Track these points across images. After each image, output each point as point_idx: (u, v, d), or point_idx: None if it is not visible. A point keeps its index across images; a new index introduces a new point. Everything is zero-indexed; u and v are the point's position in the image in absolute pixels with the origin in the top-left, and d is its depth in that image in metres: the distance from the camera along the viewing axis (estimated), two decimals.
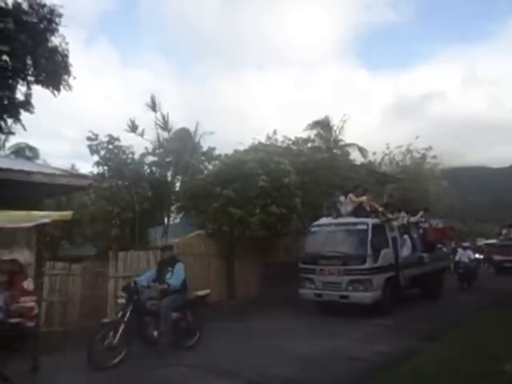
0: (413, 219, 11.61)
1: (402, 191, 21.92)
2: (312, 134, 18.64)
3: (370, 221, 9.14)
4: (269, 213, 10.55)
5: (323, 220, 10.22)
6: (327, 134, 18.90)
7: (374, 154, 24.41)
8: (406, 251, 10.10)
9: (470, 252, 14.61)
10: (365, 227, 8.95)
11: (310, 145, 16.09)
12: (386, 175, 21.56)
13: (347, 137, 19.96)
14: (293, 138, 15.44)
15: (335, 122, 19.74)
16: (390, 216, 10.02)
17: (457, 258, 14.41)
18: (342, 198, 10.39)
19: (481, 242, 28.58)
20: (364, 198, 9.90)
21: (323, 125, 18.89)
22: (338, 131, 19.31)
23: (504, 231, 22.59)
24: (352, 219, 9.47)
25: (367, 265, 8.52)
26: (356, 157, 19.96)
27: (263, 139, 14.64)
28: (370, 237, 8.77)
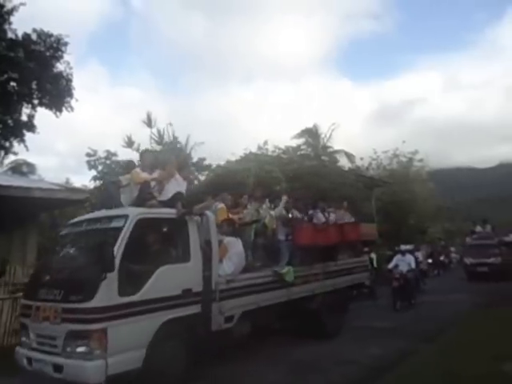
0: (275, 212, 7.22)
1: (390, 194, 22.64)
2: (300, 142, 19.39)
3: (136, 212, 4.87)
4: None
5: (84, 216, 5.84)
6: (315, 141, 19.62)
7: (362, 159, 25.12)
8: (231, 265, 5.55)
9: (410, 258, 11.19)
10: (120, 224, 4.66)
11: (299, 153, 16.79)
12: (373, 179, 22.28)
13: (335, 144, 20.72)
14: (283, 147, 16.14)
15: (323, 130, 20.51)
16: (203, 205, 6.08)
17: (390, 266, 11.03)
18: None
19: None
20: (156, 174, 5.73)
21: (311, 133, 19.62)
22: (325, 139, 20.05)
23: (478, 228, 19.05)
24: (111, 212, 5.24)
25: (96, 300, 4.16)
26: (344, 163, 20.69)
27: (254, 149, 15.34)
28: (123, 242, 4.46)
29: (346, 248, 8.44)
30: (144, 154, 6.37)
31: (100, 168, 10.17)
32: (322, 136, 20.03)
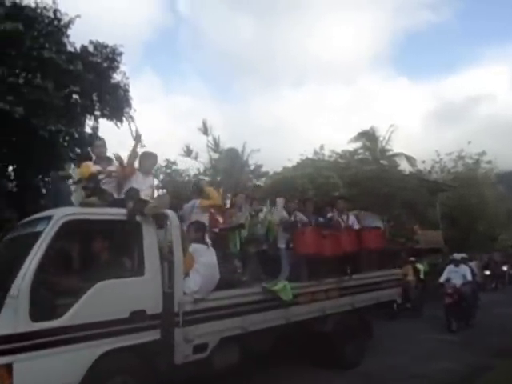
0: (274, 215, 5.97)
1: (456, 199, 20.97)
2: (358, 145, 18.53)
3: (64, 213, 3.78)
4: None
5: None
6: (373, 144, 18.65)
7: (424, 162, 23.63)
8: (198, 279, 4.32)
9: (465, 268, 9.28)
10: (41, 228, 3.65)
11: (356, 157, 15.99)
12: (437, 183, 20.80)
13: (394, 146, 19.57)
14: (340, 152, 15.44)
15: (381, 132, 19.48)
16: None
17: (441, 280, 9.26)
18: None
19: None
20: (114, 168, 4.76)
21: (368, 136, 18.68)
22: (384, 141, 19.01)
23: None
24: (40, 214, 4.16)
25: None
26: (404, 166, 19.46)
27: (310, 154, 14.77)
28: (40, 251, 3.43)
29: (374, 259, 6.98)
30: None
31: (161, 177, 10.27)
32: (380, 139, 19.01)
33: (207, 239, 4.74)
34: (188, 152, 10.42)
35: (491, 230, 23.72)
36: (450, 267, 9.35)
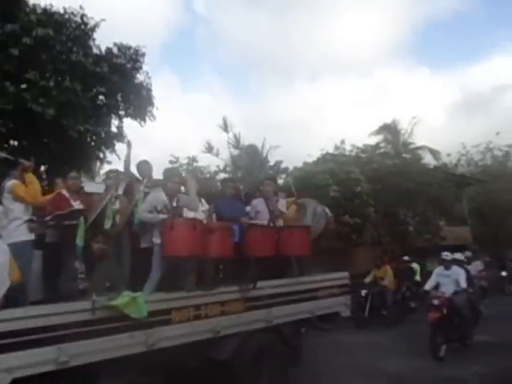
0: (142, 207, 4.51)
1: (484, 194, 20.33)
2: (379, 139, 18.28)
3: None
4: (342, 223, 10.56)
5: None
6: (395, 138, 18.34)
7: (449, 155, 23.01)
8: None
9: (458, 272, 7.03)
10: None
11: (378, 151, 15.78)
12: (464, 177, 20.22)
13: (417, 139, 19.16)
14: (361, 146, 15.29)
15: (402, 125, 19.11)
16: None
17: (427, 287, 7.21)
18: None
19: None
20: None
21: (390, 129, 18.39)
22: (406, 134, 18.64)
23: None
24: None
25: None
26: (428, 160, 19.02)
27: (331, 149, 14.70)
28: None
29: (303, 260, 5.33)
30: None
31: (184, 174, 10.47)
32: (403, 132, 18.69)
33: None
34: (209, 148, 10.63)
35: None
36: (439, 270, 7.23)
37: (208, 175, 10.67)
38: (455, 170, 22.07)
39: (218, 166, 11.40)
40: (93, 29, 9.05)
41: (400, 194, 12.89)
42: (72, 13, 8.84)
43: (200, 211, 4.67)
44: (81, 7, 8.86)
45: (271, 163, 12.71)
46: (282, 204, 5.44)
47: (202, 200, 4.89)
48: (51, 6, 8.61)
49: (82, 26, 8.92)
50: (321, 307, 5.21)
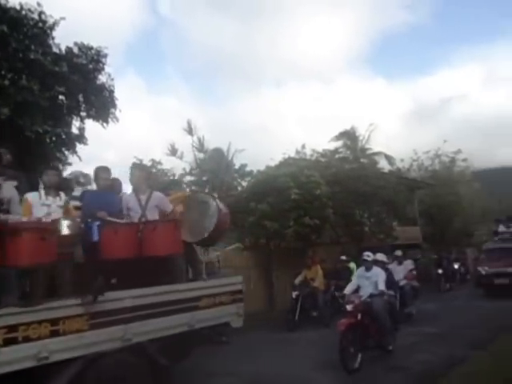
0: None
1: (433, 196, 21.76)
2: (338, 144, 19.07)
3: None
4: (303, 224, 10.96)
5: None
6: (353, 143, 19.23)
7: (402, 160, 24.43)
8: None
9: (378, 273, 6.60)
10: None
11: (337, 156, 16.47)
12: (415, 181, 21.50)
13: (373, 145, 20.20)
14: (321, 151, 15.88)
15: (360, 131, 20.06)
16: None
17: (346, 291, 6.69)
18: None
19: None
20: None
21: (349, 135, 19.25)
22: (364, 141, 19.60)
23: (501, 228, 14.53)
24: None
25: None
26: (383, 165, 20.11)
27: (293, 154, 15.15)
28: None
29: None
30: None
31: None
32: (360, 138, 19.61)
33: None
34: (173, 151, 10.63)
35: (467, 227, 24.65)
36: (360, 271, 6.81)
37: (172, 178, 10.67)
38: (407, 175, 23.39)
39: (184, 169, 11.47)
40: (52, 27, 8.80)
41: (357, 197, 13.53)
42: (29, 9, 8.54)
43: (55, 206, 4.07)
44: (38, 4, 8.60)
45: (236, 166, 12.92)
46: (159, 197, 4.73)
47: (61, 193, 4.28)
48: (6, 1, 8.30)
49: (40, 24, 8.65)
50: (203, 319, 4.45)
